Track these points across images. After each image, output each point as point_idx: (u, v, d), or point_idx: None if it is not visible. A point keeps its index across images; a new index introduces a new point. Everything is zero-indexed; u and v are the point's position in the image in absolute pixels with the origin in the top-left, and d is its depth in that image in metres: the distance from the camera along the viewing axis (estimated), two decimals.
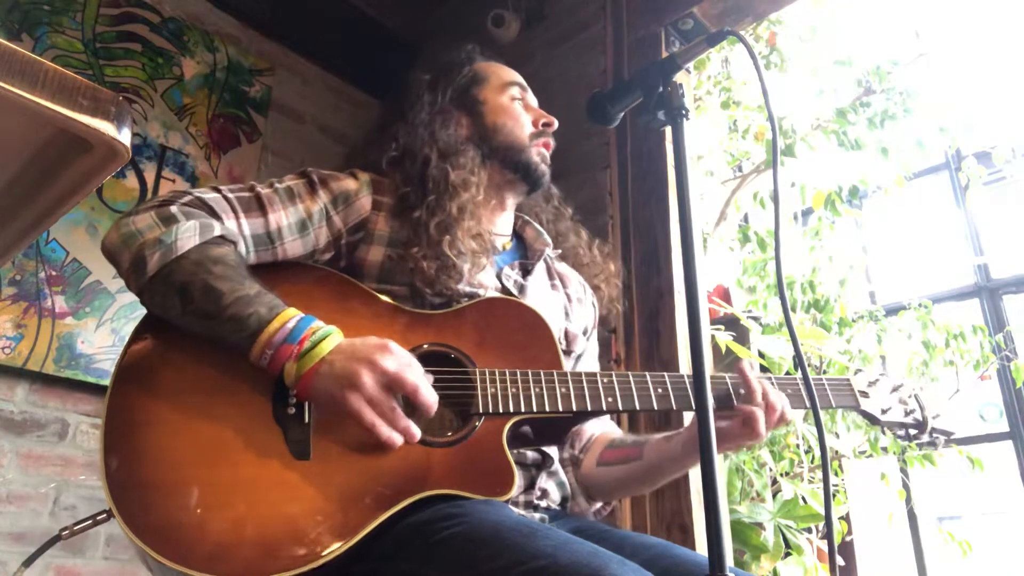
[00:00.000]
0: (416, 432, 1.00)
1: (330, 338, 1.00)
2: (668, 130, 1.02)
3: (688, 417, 1.41)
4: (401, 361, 1.00)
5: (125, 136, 0.60)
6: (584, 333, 1.42)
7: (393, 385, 0.99)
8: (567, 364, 1.36)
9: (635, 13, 2.41)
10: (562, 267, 1.47)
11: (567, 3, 2.65)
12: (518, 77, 1.46)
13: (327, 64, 2.99)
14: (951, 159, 3.78)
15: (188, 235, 1.03)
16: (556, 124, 1.42)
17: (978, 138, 3.48)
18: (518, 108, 1.41)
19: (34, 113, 0.56)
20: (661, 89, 1.02)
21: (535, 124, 1.40)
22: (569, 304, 1.41)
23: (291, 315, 1.01)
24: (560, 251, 1.48)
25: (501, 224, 1.41)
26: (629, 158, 2.23)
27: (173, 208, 1.06)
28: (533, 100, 1.46)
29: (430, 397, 1.00)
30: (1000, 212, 3.70)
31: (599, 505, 1.37)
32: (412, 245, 1.21)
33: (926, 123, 3.28)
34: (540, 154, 1.39)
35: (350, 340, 1.02)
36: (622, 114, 1.14)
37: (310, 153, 2.83)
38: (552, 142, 1.43)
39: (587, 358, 1.44)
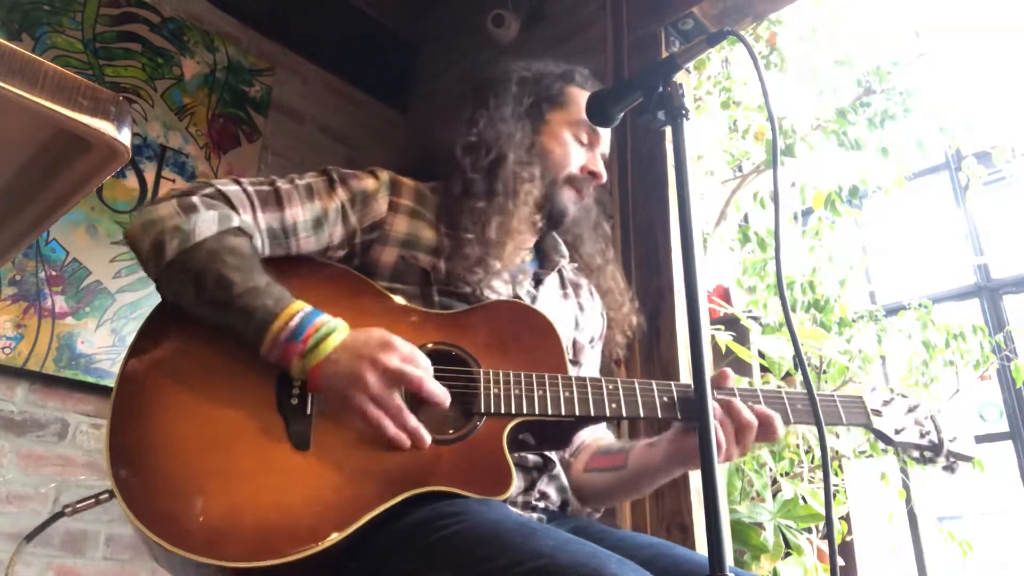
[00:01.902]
0: (426, 437, 1.00)
1: (335, 334, 1.01)
2: (668, 130, 1.02)
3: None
4: (405, 355, 1.01)
5: (125, 136, 0.60)
6: (591, 343, 1.41)
7: (397, 381, 0.99)
8: (571, 373, 1.36)
9: (635, 13, 2.41)
10: (574, 275, 1.47)
11: (567, 3, 2.65)
12: None
13: (327, 64, 2.99)
14: (951, 159, 3.78)
15: (207, 224, 1.06)
16: (604, 179, 1.38)
17: (978, 138, 3.48)
18: (573, 146, 1.37)
19: (34, 113, 0.56)
20: (661, 89, 1.02)
21: (581, 169, 1.36)
22: (580, 313, 1.40)
23: (296, 310, 1.02)
24: (576, 264, 1.47)
25: (528, 241, 1.41)
26: (629, 158, 2.22)
27: (195, 198, 1.08)
28: (603, 147, 1.41)
29: (436, 389, 1.01)
30: (1000, 212, 3.70)
31: (589, 510, 1.36)
32: (467, 231, 1.22)
33: (926, 123, 3.27)
34: (570, 196, 1.36)
35: (354, 335, 1.03)
36: (622, 114, 1.14)
37: (310, 153, 2.83)
38: (590, 193, 1.40)
39: (588, 368, 1.42)
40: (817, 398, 1.20)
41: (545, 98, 1.39)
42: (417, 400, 1.03)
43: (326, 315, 1.04)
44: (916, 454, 1.30)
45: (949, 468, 1.31)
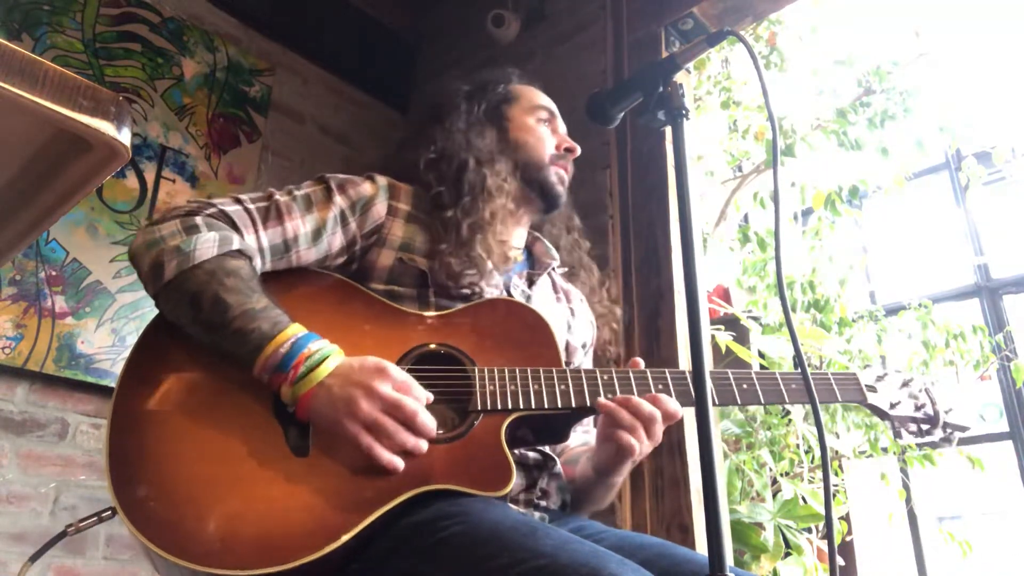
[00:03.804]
0: (423, 446, 1.00)
1: (327, 361, 1.01)
2: (668, 130, 1.02)
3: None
4: (399, 383, 1.01)
5: (125, 136, 0.60)
6: (583, 347, 1.43)
7: (390, 410, 0.99)
8: None
9: (635, 13, 2.41)
10: (565, 283, 1.49)
11: (567, 3, 2.65)
12: (549, 103, 1.48)
13: (327, 64, 2.99)
14: (951, 159, 3.77)
15: (207, 246, 1.05)
16: (579, 151, 1.45)
17: (978, 138, 3.48)
18: (542, 129, 1.44)
19: (34, 113, 0.56)
20: (661, 89, 1.02)
21: (557, 148, 1.43)
22: (572, 318, 1.42)
23: (288, 336, 1.01)
24: (566, 269, 1.50)
25: (516, 238, 1.42)
26: (629, 158, 2.23)
27: (198, 219, 1.09)
28: (562, 127, 1.48)
29: (428, 423, 1.01)
30: (1000, 212, 3.70)
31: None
32: (441, 242, 1.23)
33: (926, 123, 3.27)
34: (558, 175, 1.42)
35: (348, 362, 1.02)
36: (622, 114, 1.14)
37: (310, 153, 2.83)
38: (571, 167, 1.46)
39: None
40: (812, 379, 1.20)
41: (499, 100, 1.46)
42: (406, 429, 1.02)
43: (320, 341, 1.03)
44: (913, 427, 1.30)
45: (947, 439, 1.31)
